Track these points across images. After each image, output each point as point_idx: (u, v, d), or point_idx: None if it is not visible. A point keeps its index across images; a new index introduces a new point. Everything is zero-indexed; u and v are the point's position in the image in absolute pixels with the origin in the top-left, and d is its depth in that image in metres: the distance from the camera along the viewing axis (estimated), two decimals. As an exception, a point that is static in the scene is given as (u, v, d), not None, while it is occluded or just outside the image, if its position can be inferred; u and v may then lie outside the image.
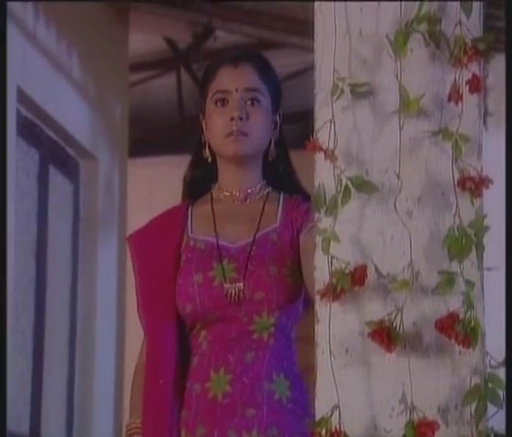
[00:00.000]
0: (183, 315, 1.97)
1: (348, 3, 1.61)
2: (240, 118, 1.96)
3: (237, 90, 1.99)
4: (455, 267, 1.49)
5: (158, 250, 2.03)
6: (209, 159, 2.05)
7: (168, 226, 2.07)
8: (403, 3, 1.57)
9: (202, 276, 1.95)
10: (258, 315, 1.94)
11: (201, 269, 1.96)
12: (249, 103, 1.99)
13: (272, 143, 2.05)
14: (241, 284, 1.93)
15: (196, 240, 2.02)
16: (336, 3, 1.60)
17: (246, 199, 2.04)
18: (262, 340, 1.95)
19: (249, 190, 2.03)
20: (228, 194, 2.04)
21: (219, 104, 2.01)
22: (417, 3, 1.55)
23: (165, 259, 2.01)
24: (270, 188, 2.06)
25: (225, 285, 1.94)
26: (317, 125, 1.60)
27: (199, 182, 2.10)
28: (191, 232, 2.03)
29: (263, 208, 2.02)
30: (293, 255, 1.96)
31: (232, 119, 1.96)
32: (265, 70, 2.06)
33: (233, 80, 2.00)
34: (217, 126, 1.99)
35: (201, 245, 2.00)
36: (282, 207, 2.03)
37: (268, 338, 1.95)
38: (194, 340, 1.99)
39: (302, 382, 1.99)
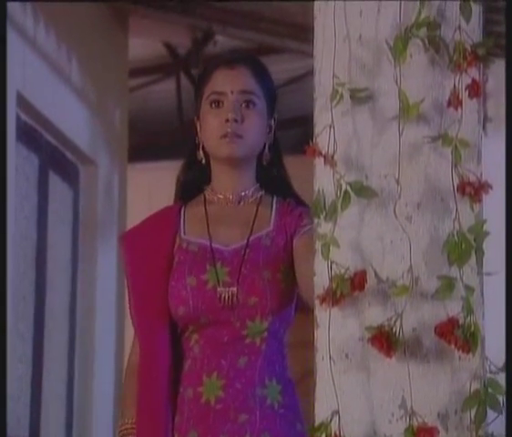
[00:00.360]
0: (175, 317, 1.96)
1: (348, 8, 1.62)
2: (235, 120, 1.96)
3: (232, 92, 1.98)
4: (454, 272, 1.49)
5: (151, 251, 2.02)
6: (203, 161, 2.05)
7: (161, 227, 2.06)
8: (402, 8, 1.57)
9: (196, 279, 1.94)
10: (251, 320, 1.93)
11: (195, 271, 1.95)
12: (244, 105, 1.99)
13: (267, 147, 2.05)
14: (235, 288, 1.93)
15: (189, 242, 2.01)
16: (336, 8, 1.60)
17: (239, 202, 2.03)
18: (255, 344, 1.94)
19: (242, 193, 2.03)
20: (221, 196, 2.03)
21: (214, 105, 2.00)
22: (417, 8, 1.55)
23: (158, 260, 2.00)
24: (263, 192, 2.05)
25: (218, 289, 1.93)
26: (317, 130, 1.60)
27: (193, 184, 2.09)
28: (184, 234, 2.02)
29: (257, 211, 2.01)
30: (287, 259, 1.96)
31: (227, 121, 1.96)
32: (261, 74, 2.06)
33: (229, 82, 1.99)
34: (211, 127, 1.99)
35: (194, 247, 1.99)
36: (276, 210, 2.03)
37: (260, 343, 1.94)
38: (186, 343, 1.98)
39: (294, 386, 1.99)
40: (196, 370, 1.94)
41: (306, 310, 1.86)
